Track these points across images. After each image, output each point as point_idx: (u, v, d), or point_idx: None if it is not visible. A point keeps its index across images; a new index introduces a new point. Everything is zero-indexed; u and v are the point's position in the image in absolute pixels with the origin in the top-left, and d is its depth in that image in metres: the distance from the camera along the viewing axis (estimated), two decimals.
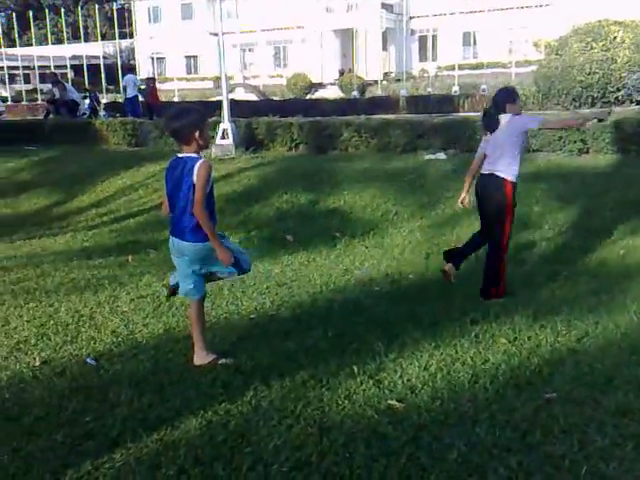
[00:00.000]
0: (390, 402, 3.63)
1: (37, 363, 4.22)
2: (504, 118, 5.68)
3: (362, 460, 3.05)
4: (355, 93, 31.53)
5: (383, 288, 6.20)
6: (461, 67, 33.42)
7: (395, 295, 5.91)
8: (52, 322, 5.02)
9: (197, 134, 3.74)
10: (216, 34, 14.33)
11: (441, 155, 11.73)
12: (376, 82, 33.94)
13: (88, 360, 4.23)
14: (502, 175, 5.63)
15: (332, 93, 34.63)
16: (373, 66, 36.95)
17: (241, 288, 6.00)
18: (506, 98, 5.73)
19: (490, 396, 3.71)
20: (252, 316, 5.20)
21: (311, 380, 3.88)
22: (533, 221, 8.26)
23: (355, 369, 4.00)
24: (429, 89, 30.30)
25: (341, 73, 38.73)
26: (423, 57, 38.59)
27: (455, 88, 28.26)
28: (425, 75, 36.45)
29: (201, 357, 4.05)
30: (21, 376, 4.03)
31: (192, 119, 3.75)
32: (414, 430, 3.34)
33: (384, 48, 38.66)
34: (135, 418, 3.45)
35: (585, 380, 3.88)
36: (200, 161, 3.74)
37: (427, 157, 11.67)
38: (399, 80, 34.46)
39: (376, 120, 13.53)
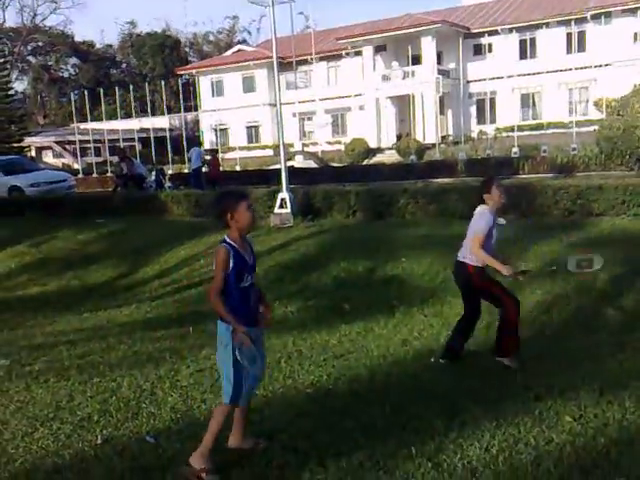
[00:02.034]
0: None
1: (99, 441, 4.30)
2: (478, 209, 5.81)
3: None
4: (413, 157, 31.75)
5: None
6: (520, 128, 33.37)
7: (455, 368, 5.78)
8: (114, 398, 5.13)
9: (229, 217, 3.79)
10: (275, 105, 14.80)
11: (500, 220, 11.55)
12: (434, 145, 34.18)
13: (148, 438, 4.28)
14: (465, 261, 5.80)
15: (390, 158, 34.98)
16: (430, 130, 37.31)
17: (298, 360, 6.00)
18: (482, 189, 5.78)
19: None
20: (308, 390, 5.18)
21: (368, 462, 3.82)
22: (599, 289, 8.01)
23: (413, 450, 3.92)
24: (488, 151, 30.24)
25: (399, 138, 39.20)
26: (481, 119, 38.77)
27: (515, 149, 28.11)
28: (484, 137, 36.52)
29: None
30: (83, 455, 4.11)
31: (222, 205, 3.86)
32: None
33: (441, 112, 39.01)
34: None
35: None
36: (218, 246, 3.81)
37: None
38: (457, 143, 34.64)
39: (433, 186, 13.57)
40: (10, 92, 44.43)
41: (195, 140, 38.44)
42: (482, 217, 5.72)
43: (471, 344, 6.65)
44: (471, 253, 5.71)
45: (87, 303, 9.54)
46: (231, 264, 3.74)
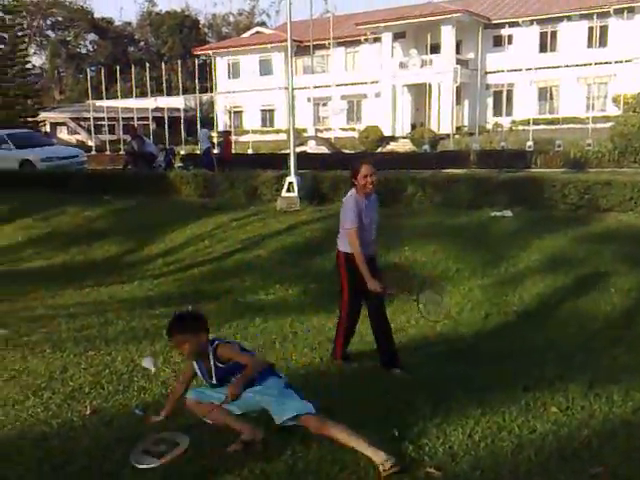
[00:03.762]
0: (429, 470, 3.55)
1: (88, 412, 4.35)
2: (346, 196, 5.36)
3: None
4: (426, 147, 31.59)
5: (436, 348, 6.11)
6: (536, 122, 33.09)
7: (448, 356, 5.81)
8: (107, 371, 5.18)
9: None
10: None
11: (507, 213, 11.55)
12: (448, 136, 33.99)
13: (136, 411, 4.32)
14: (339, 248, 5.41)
15: (403, 147, 34.87)
16: (446, 120, 37.09)
17: (293, 342, 6.04)
18: (352, 173, 5.27)
19: (533, 468, 3.59)
20: (301, 372, 5.21)
21: None
22: (598, 283, 8.00)
23: (396, 432, 3.95)
24: (502, 144, 30.04)
25: (413, 127, 39.02)
26: (498, 111, 38.47)
27: (529, 143, 27.92)
28: (499, 129, 36.27)
29: None
30: (71, 425, 4.17)
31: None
32: None
33: (458, 102, 38.75)
34: (173, 473, 3.50)
35: (636, 455, 3.70)
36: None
37: (493, 214, 11.52)
38: (472, 134, 34.42)
39: (441, 175, 13.52)
40: (27, 66, 44.34)
41: (209, 121, 38.44)
42: (347, 204, 5.26)
43: (466, 333, 6.69)
44: (342, 239, 5.33)
45: (90, 278, 9.61)
46: None
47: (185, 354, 3.94)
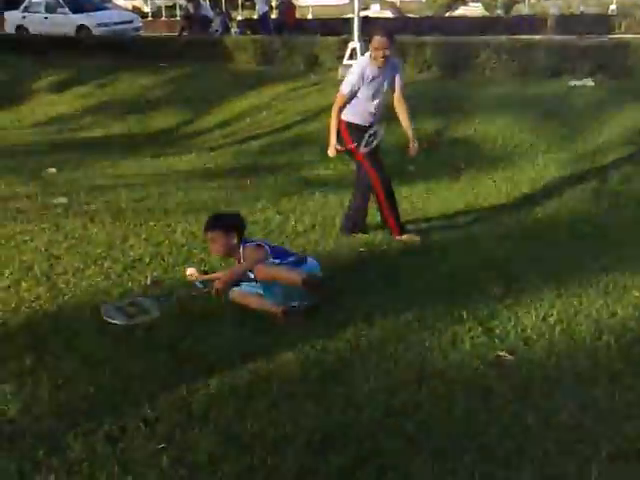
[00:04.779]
0: (500, 353, 3.37)
1: (148, 282, 4.30)
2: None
3: (460, 414, 2.85)
4: (499, 11, 29.64)
5: (507, 227, 5.78)
6: None
7: (520, 235, 5.49)
8: (167, 242, 5.11)
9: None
10: None
11: (588, 81, 10.71)
12: None
13: (197, 283, 4.22)
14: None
15: (474, 11, 32.76)
16: None
17: None
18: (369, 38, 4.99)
19: (613, 354, 3.37)
20: (362, 249, 5.02)
21: (416, 322, 3.69)
22: None
23: (464, 314, 3.75)
24: (582, 8, 27.86)
25: None
26: None
27: (612, 7, 25.86)
28: None
29: None
30: (131, 294, 4.11)
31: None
32: (523, 385, 3.08)
33: None
34: (234, 346, 3.43)
35: None
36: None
37: (572, 83, 10.70)
38: None
39: (517, 41, 12.53)
40: None
41: None
42: (355, 67, 5.08)
43: (540, 210, 6.31)
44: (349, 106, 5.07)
45: (148, 149, 9.49)
46: None
47: (214, 251, 4.12)
